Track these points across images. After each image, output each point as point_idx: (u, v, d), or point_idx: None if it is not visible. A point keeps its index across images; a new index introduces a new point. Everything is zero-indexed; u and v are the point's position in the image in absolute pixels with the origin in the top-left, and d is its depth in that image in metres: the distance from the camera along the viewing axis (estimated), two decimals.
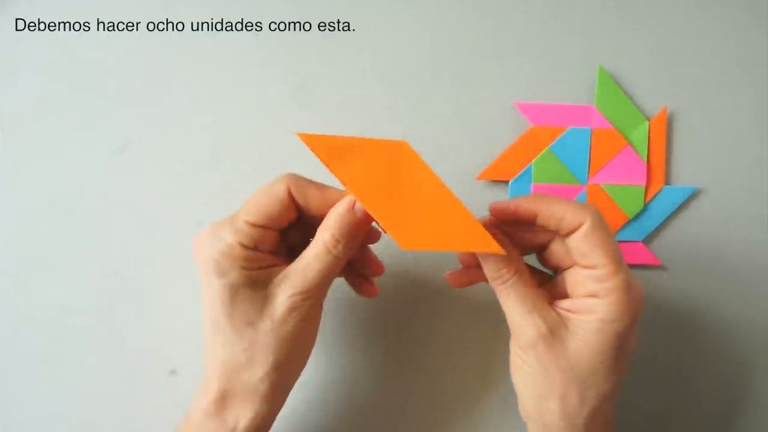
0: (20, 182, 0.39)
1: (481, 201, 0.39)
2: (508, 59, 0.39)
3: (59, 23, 0.39)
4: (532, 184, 0.38)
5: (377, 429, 0.39)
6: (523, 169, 0.38)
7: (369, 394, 0.38)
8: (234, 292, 0.29)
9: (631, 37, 0.39)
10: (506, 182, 0.38)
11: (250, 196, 0.30)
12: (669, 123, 0.39)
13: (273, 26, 0.39)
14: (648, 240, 0.39)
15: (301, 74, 0.39)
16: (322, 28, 0.39)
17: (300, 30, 0.39)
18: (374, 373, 0.39)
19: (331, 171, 0.28)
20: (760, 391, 0.39)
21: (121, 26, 0.39)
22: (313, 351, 0.32)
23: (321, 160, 0.28)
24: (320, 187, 0.30)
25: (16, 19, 0.39)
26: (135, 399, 0.38)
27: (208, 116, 0.39)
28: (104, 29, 0.39)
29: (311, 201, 0.30)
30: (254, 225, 0.30)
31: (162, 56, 0.39)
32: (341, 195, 0.30)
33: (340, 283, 0.35)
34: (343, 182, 0.29)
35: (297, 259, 0.30)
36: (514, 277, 0.30)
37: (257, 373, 0.29)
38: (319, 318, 0.31)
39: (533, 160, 0.38)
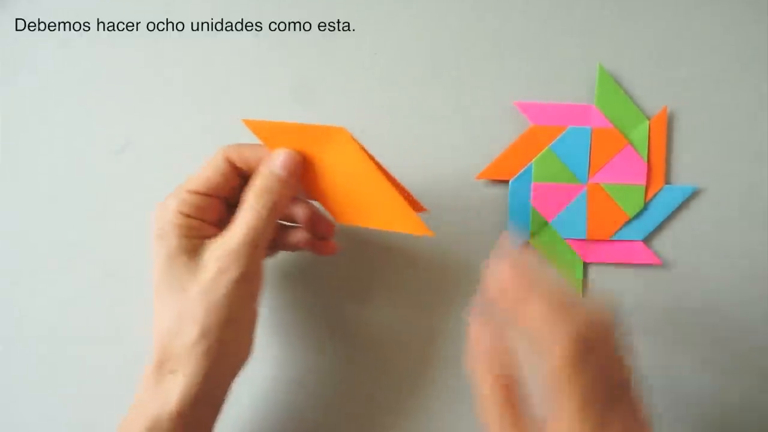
0: (20, 182, 0.39)
1: (481, 200, 0.39)
2: (508, 59, 0.39)
3: (59, 23, 0.39)
4: (532, 183, 0.38)
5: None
6: (524, 169, 0.38)
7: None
8: (170, 259, 0.29)
9: (631, 37, 0.39)
10: (506, 182, 0.38)
11: None
12: (669, 122, 0.39)
13: (273, 26, 0.39)
14: (648, 239, 0.39)
15: (301, 74, 0.39)
16: (322, 28, 0.39)
17: (300, 30, 0.39)
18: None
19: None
20: (760, 391, 0.39)
21: (121, 26, 0.39)
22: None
23: (265, 144, 0.31)
24: (256, 146, 0.31)
25: (16, 19, 0.39)
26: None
27: (208, 116, 0.39)
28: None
29: (251, 162, 0.31)
30: (194, 192, 0.30)
31: (162, 56, 0.39)
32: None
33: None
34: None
35: (229, 225, 0.30)
36: None
37: (187, 339, 0.28)
38: (256, 288, 0.31)
39: (533, 160, 0.38)
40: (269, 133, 0.31)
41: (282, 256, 0.38)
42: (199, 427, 0.30)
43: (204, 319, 0.28)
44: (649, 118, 0.38)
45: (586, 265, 0.39)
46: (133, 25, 0.39)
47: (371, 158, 0.31)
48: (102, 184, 0.39)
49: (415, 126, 0.39)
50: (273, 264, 0.38)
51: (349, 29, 0.39)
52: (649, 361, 0.39)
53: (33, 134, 0.39)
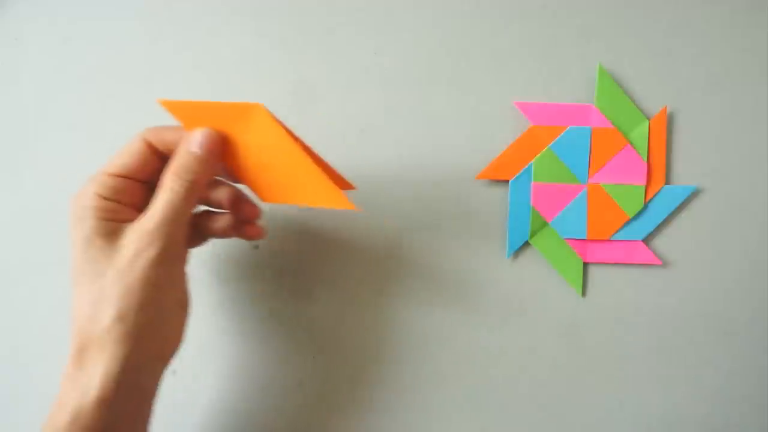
0: (20, 182, 0.39)
1: (481, 200, 0.39)
2: (508, 59, 0.39)
3: (59, 23, 0.39)
4: (532, 183, 0.38)
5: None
6: (524, 169, 0.38)
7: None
8: (88, 242, 0.28)
9: (631, 37, 0.39)
10: (506, 181, 0.38)
11: None
12: (669, 122, 0.39)
13: (273, 26, 0.39)
14: (648, 239, 0.39)
15: (301, 74, 0.39)
16: (322, 29, 0.39)
17: (300, 30, 0.39)
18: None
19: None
20: (760, 391, 0.39)
21: (121, 26, 0.39)
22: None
23: (184, 124, 0.30)
24: (176, 128, 0.30)
25: (17, 19, 0.39)
26: None
27: None
28: (104, 29, 0.39)
29: (172, 145, 0.30)
30: (113, 175, 0.29)
31: (162, 56, 0.39)
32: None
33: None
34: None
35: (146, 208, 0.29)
36: None
37: (104, 323, 0.27)
38: (177, 271, 0.30)
39: (533, 160, 0.38)
40: (187, 112, 0.30)
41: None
42: (125, 414, 0.29)
43: (120, 301, 0.28)
44: (649, 118, 0.38)
45: (586, 265, 0.39)
46: (134, 26, 0.39)
47: (290, 134, 0.31)
48: None
49: (415, 126, 0.39)
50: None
51: (349, 29, 0.39)
52: (649, 360, 0.39)
53: (33, 134, 0.39)
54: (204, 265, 0.39)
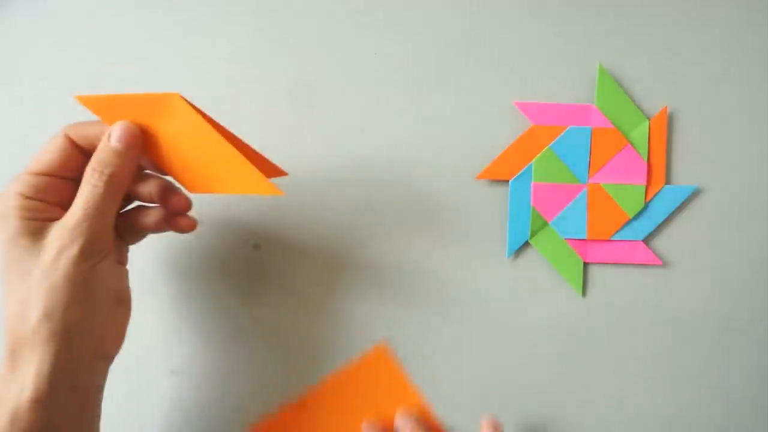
0: None
1: (481, 200, 0.39)
2: (508, 59, 0.39)
3: (59, 23, 0.39)
4: (532, 183, 0.38)
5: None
6: (524, 169, 0.38)
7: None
8: (12, 242, 0.28)
9: (631, 36, 0.39)
10: (506, 181, 0.38)
11: None
12: (669, 122, 0.39)
13: (273, 27, 0.39)
14: (648, 239, 0.39)
15: (301, 75, 0.39)
16: (322, 29, 0.39)
17: (300, 30, 0.39)
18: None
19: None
20: (761, 391, 0.39)
21: (121, 26, 0.39)
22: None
23: (102, 119, 0.30)
24: (98, 123, 0.30)
25: (17, 19, 0.39)
26: (135, 399, 0.38)
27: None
28: (104, 29, 0.39)
29: (93, 139, 0.30)
30: (34, 174, 0.29)
31: (162, 56, 0.39)
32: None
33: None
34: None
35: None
36: None
37: (31, 321, 0.27)
38: (106, 268, 0.29)
39: (533, 160, 0.38)
40: (104, 107, 0.30)
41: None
42: (64, 414, 0.28)
43: (45, 300, 0.27)
44: (649, 118, 0.38)
45: (586, 265, 0.39)
46: (134, 26, 0.39)
47: (210, 121, 0.31)
48: None
49: (415, 126, 0.39)
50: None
51: (349, 30, 0.39)
52: (650, 360, 0.39)
53: (33, 134, 0.39)
54: (199, 266, 0.39)
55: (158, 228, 0.33)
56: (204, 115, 0.30)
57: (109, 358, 0.31)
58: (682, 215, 0.39)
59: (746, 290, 0.39)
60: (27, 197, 0.29)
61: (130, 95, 0.30)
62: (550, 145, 0.38)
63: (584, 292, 0.39)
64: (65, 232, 0.28)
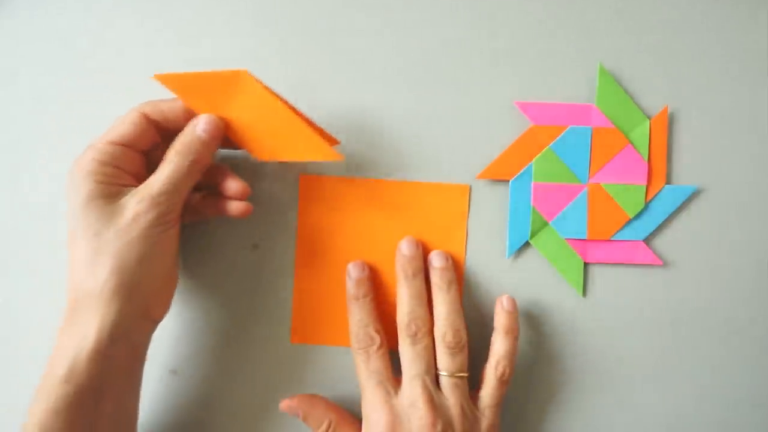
0: (20, 182, 0.39)
1: (481, 200, 0.39)
2: (508, 59, 0.39)
3: (59, 23, 0.39)
4: (532, 183, 0.38)
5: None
6: (524, 169, 0.38)
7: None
8: (87, 203, 0.30)
9: (631, 36, 0.39)
10: (507, 181, 0.38)
11: None
12: (670, 122, 0.39)
13: (273, 27, 0.39)
14: (649, 239, 0.39)
15: (301, 75, 0.39)
16: (322, 28, 0.39)
17: (300, 30, 0.39)
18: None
19: (186, 103, 0.34)
20: (761, 391, 0.39)
21: (121, 27, 0.39)
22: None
23: (177, 95, 0.33)
24: (171, 100, 0.33)
25: (16, 19, 0.39)
26: None
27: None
28: (104, 30, 0.39)
29: (168, 115, 0.33)
30: (110, 143, 0.32)
31: (162, 57, 0.39)
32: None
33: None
34: (195, 109, 0.34)
35: (151, 176, 0.32)
36: None
37: (99, 277, 0.30)
38: (171, 239, 0.32)
39: (534, 160, 0.38)
40: (180, 84, 0.33)
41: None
42: (117, 367, 0.31)
43: (118, 256, 0.30)
44: (649, 118, 0.38)
45: (586, 265, 0.39)
46: (134, 26, 0.39)
47: (275, 95, 0.34)
48: None
49: (415, 126, 0.39)
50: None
51: (349, 30, 0.39)
52: (650, 360, 0.39)
53: (33, 134, 0.39)
54: (199, 265, 0.39)
55: (214, 211, 0.36)
56: (268, 89, 0.34)
57: (156, 322, 0.33)
58: (682, 215, 0.39)
59: (746, 290, 0.39)
60: (103, 163, 0.31)
61: (203, 73, 0.33)
62: (550, 145, 0.38)
63: (584, 292, 0.39)
64: (145, 200, 0.31)
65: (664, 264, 0.39)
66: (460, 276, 0.38)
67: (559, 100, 0.38)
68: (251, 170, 0.39)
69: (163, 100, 0.33)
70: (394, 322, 0.36)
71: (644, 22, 0.39)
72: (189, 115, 0.33)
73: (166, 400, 0.38)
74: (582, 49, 0.39)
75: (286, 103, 0.34)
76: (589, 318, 0.39)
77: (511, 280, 0.39)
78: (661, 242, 0.39)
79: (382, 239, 0.38)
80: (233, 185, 0.35)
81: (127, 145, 0.32)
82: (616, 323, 0.39)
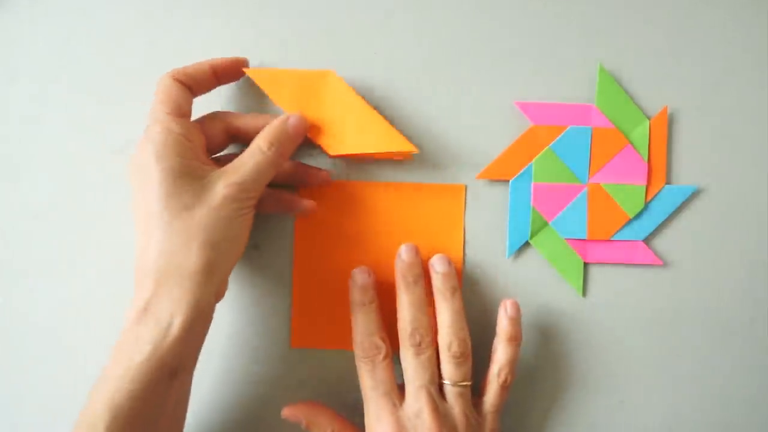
0: (20, 182, 0.39)
1: (481, 200, 0.39)
2: (508, 59, 0.39)
3: (59, 23, 0.39)
4: (532, 183, 0.38)
5: None
6: (524, 168, 0.38)
7: None
8: (173, 178, 0.30)
9: (631, 36, 0.39)
10: (507, 181, 0.38)
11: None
12: (669, 122, 0.39)
13: (273, 27, 0.39)
14: (649, 239, 0.39)
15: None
16: (322, 29, 0.39)
17: (300, 30, 0.39)
18: None
19: (272, 98, 0.36)
20: (761, 391, 0.39)
21: (121, 26, 0.39)
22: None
23: (264, 89, 0.36)
24: (199, 63, 0.35)
25: (16, 19, 0.39)
26: None
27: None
28: (104, 30, 0.39)
29: (197, 77, 0.34)
30: (171, 116, 0.32)
31: (162, 57, 0.39)
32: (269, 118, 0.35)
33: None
34: (280, 104, 0.36)
35: (233, 161, 0.33)
36: None
37: (192, 253, 0.30)
38: (249, 224, 0.33)
39: (534, 160, 0.38)
40: (269, 80, 0.36)
41: None
42: (196, 343, 0.31)
43: (209, 233, 0.30)
44: (649, 118, 0.38)
45: (586, 265, 0.39)
46: (133, 26, 0.39)
47: (358, 95, 0.36)
48: (102, 184, 0.39)
49: (416, 126, 0.39)
50: None
51: (349, 30, 0.39)
52: (650, 360, 0.39)
53: (33, 134, 0.39)
54: None
55: (278, 209, 0.37)
56: (352, 89, 0.36)
57: (219, 300, 0.33)
58: (682, 215, 0.39)
59: (746, 290, 0.39)
60: (177, 137, 0.31)
61: (291, 70, 0.37)
62: (550, 145, 0.38)
63: (584, 292, 0.39)
64: (235, 183, 0.31)
65: (664, 264, 0.39)
66: (459, 277, 0.38)
67: (559, 100, 0.38)
68: None
69: (188, 66, 0.34)
70: (394, 326, 0.36)
71: (644, 22, 0.39)
72: (215, 76, 0.35)
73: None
74: (582, 49, 0.39)
75: (367, 102, 0.36)
76: (589, 318, 0.39)
77: (511, 280, 0.39)
78: (661, 242, 0.39)
79: (380, 241, 0.38)
80: (314, 173, 0.37)
81: (186, 116, 0.33)
82: (616, 323, 0.39)
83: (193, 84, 0.34)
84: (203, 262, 0.30)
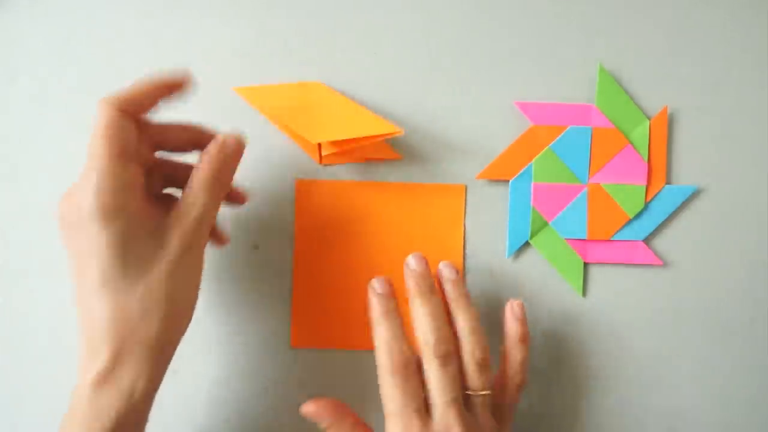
0: (19, 182, 0.39)
1: (481, 200, 0.39)
2: (508, 59, 0.39)
3: (59, 23, 0.39)
4: (532, 183, 0.38)
5: None
6: (524, 169, 0.38)
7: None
8: (125, 240, 0.27)
9: (631, 36, 0.39)
10: (507, 181, 0.38)
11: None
12: (669, 122, 0.39)
13: (274, 26, 0.39)
14: (649, 239, 0.39)
15: (301, 74, 0.39)
16: (322, 28, 0.39)
17: (300, 30, 0.39)
18: None
19: (262, 113, 0.37)
20: (761, 391, 0.39)
21: (121, 26, 0.39)
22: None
23: (253, 106, 0.37)
24: (141, 84, 0.30)
25: (16, 19, 0.39)
26: None
27: (208, 116, 0.39)
28: (104, 30, 0.39)
29: (145, 102, 0.30)
30: (115, 160, 0.28)
31: (162, 55, 0.39)
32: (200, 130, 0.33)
33: None
34: (270, 119, 0.38)
35: (179, 201, 0.30)
36: None
37: (154, 323, 0.28)
38: (203, 263, 0.31)
39: (533, 160, 0.38)
40: (258, 96, 0.37)
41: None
42: (149, 407, 0.30)
43: (172, 298, 0.28)
44: (649, 118, 0.38)
45: (586, 265, 0.39)
46: (133, 25, 0.39)
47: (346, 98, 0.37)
48: None
49: (415, 126, 0.39)
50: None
51: (349, 30, 0.39)
52: (649, 361, 0.39)
53: (33, 134, 0.39)
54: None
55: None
56: (340, 94, 0.37)
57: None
58: (682, 215, 0.39)
59: (746, 290, 0.39)
60: (123, 188, 0.28)
61: (279, 85, 0.37)
62: (550, 145, 0.38)
63: (584, 292, 0.39)
64: (188, 233, 0.29)
65: (664, 264, 0.39)
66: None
67: (559, 100, 0.38)
68: (252, 169, 0.39)
69: (129, 90, 0.29)
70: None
71: (644, 22, 0.39)
72: (159, 98, 0.30)
73: (167, 400, 0.38)
74: (582, 49, 0.39)
75: (359, 104, 0.37)
76: (588, 318, 0.39)
77: (511, 280, 0.39)
78: (660, 242, 0.39)
79: (380, 242, 0.38)
80: (235, 194, 0.36)
81: (133, 157, 0.29)
82: (616, 323, 0.39)
83: (139, 111, 0.30)
84: (168, 331, 0.29)
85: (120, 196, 0.28)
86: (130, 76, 0.38)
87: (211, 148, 0.31)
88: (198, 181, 0.30)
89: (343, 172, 0.39)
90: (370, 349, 0.38)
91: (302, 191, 0.38)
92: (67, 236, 0.29)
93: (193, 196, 0.30)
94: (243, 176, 0.39)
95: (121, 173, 0.28)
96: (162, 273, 0.28)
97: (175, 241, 0.29)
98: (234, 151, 0.31)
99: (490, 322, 0.38)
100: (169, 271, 0.28)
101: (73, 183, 0.29)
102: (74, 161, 0.39)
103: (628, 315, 0.39)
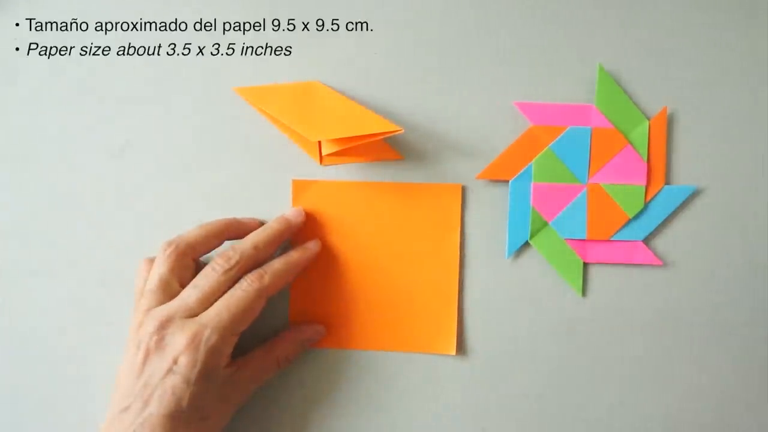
0: (19, 183, 0.39)
1: (480, 200, 0.39)
2: (508, 59, 0.39)
3: (59, 23, 0.39)
4: (532, 184, 0.38)
5: None
6: (524, 169, 0.38)
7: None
8: (206, 380, 0.32)
9: (631, 37, 0.39)
10: (506, 181, 0.38)
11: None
12: (669, 122, 0.39)
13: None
14: (648, 239, 0.39)
15: (301, 74, 0.39)
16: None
17: (300, 30, 0.39)
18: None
19: (261, 112, 0.38)
20: (760, 391, 0.39)
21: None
22: None
23: (253, 105, 0.38)
24: (199, 229, 0.36)
25: (16, 20, 0.39)
26: None
27: (208, 116, 0.39)
28: (104, 30, 0.39)
29: (201, 248, 0.36)
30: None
31: (162, 56, 0.39)
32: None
33: None
34: (269, 117, 0.38)
35: (247, 357, 0.35)
36: None
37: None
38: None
39: (533, 160, 0.38)
40: (258, 96, 0.37)
41: None
42: None
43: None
44: (649, 118, 0.38)
45: (586, 265, 0.39)
46: (133, 25, 0.39)
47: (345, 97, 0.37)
48: (101, 184, 0.39)
49: (415, 126, 0.39)
50: None
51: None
52: (649, 360, 0.39)
53: (33, 134, 0.39)
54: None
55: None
56: (340, 93, 0.37)
57: None
58: (682, 215, 0.39)
59: (746, 290, 0.39)
60: (220, 343, 0.33)
61: (279, 85, 0.38)
62: (550, 145, 0.38)
63: (584, 292, 0.39)
64: (242, 366, 0.35)
65: (664, 264, 0.39)
66: (458, 277, 0.38)
67: (559, 101, 0.38)
68: (251, 169, 0.39)
69: (190, 233, 0.35)
70: (381, 318, 0.36)
71: (644, 22, 0.39)
72: (214, 240, 0.36)
73: None
74: (582, 49, 0.39)
75: (358, 103, 0.37)
76: (588, 318, 0.39)
77: (510, 280, 0.39)
78: (660, 242, 0.39)
79: (379, 241, 0.38)
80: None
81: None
82: (615, 323, 0.39)
83: (196, 256, 0.36)
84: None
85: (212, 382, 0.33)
86: (130, 75, 0.39)
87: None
88: (264, 350, 0.36)
89: (343, 172, 0.39)
90: (370, 349, 0.38)
91: (298, 192, 0.38)
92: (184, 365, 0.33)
93: (256, 358, 0.36)
94: (243, 176, 0.39)
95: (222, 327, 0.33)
96: (222, 413, 0.35)
97: (234, 386, 0.34)
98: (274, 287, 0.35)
99: (490, 323, 0.38)
100: (225, 414, 0.35)
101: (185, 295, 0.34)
102: (74, 161, 0.39)
103: (628, 315, 0.39)
